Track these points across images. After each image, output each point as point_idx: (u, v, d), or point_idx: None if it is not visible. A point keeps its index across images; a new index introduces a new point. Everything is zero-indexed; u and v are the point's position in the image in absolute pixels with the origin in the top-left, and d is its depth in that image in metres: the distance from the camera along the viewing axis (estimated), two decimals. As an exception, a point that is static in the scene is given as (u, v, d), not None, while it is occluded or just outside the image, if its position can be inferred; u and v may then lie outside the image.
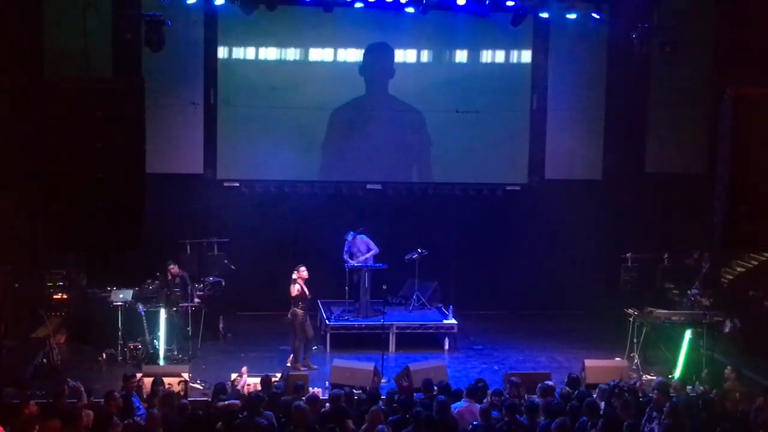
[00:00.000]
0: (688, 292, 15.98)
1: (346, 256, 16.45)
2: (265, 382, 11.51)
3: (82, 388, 11.26)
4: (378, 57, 18.05)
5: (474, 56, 18.36)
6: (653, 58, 16.81)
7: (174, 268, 15.35)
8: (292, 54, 18.00)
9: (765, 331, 15.31)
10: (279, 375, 12.62)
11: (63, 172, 9.13)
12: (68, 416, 9.58)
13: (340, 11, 16.85)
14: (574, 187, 18.42)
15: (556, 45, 18.21)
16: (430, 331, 15.98)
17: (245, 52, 17.93)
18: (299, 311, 14.54)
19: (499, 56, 18.43)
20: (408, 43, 18.08)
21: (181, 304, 15.03)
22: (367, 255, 16.42)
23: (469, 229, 18.39)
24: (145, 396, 11.56)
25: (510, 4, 16.28)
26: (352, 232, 16.45)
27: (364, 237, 16.53)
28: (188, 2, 15.83)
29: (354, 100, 18.20)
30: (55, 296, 15.89)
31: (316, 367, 14.49)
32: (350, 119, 18.20)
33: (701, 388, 11.55)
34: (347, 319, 15.98)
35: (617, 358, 14.60)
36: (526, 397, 11.15)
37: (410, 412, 10.05)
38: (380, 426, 9.48)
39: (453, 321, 15.99)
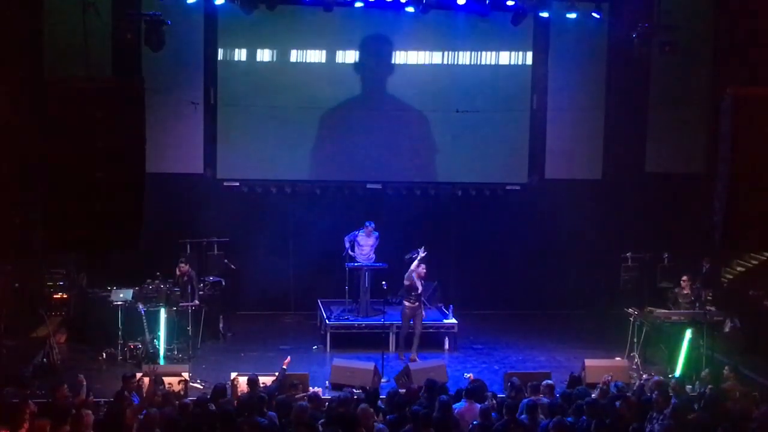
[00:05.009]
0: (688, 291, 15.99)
1: (347, 243, 16.39)
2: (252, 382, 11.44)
3: (85, 383, 11.29)
4: (376, 51, 17.99)
5: (474, 56, 18.33)
6: (653, 58, 16.78)
7: (183, 266, 15.35)
8: (292, 54, 17.98)
9: (765, 330, 15.31)
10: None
11: (63, 172, 9.13)
12: (65, 415, 9.56)
13: (340, 11, 16.83)
14: (574, 187, 18.40)
15: (556, 45, 18.20)
16: (430, 331, 15.90)
17: (245, 52, 17.89)
18: (405, 302, 15.08)
19: (500, 56, 18.38)
20: (408, 43, 18.04)
21: (181, 304, 15.02)
22: (370, 249, 16.38)
23: (470, 229, 18.38)
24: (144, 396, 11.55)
25: (510, 3, 16.29)
26: (364, 228, 16.40)
27: (376, 234, 16.50)
28: (188, 2, 15.84)
29: (354, 100, 18.17)
30: (55, 296, 15.84)
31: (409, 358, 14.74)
32: (350, 119, 18.17)
33: (704, 389, 11.50)
34: (347, 319, 15.98)
35: (617, 358, 14.60)
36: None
37: (407, 410, 10.01)
38: (379, 425, 9.48)
39: (453, 321, 15.98)
